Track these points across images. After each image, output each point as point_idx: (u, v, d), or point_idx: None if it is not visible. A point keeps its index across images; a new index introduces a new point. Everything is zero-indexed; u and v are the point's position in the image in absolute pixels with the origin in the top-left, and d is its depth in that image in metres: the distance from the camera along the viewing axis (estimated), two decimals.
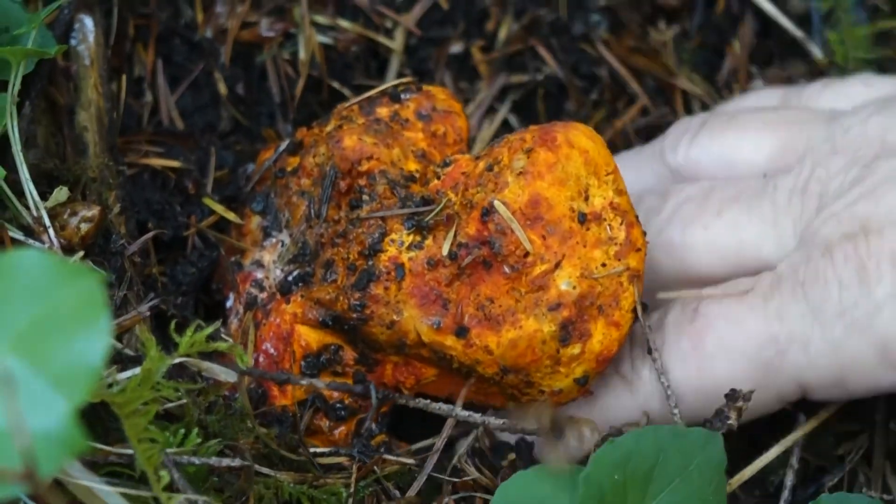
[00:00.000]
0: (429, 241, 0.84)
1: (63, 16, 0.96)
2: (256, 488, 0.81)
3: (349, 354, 0.88)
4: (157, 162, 1.00)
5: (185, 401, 0.80)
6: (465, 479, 0.88)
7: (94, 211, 0.87)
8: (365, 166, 0.87)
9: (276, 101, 1.08)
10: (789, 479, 0.90)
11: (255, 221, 0.96)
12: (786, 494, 0.89)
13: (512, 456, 0.91)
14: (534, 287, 0.83)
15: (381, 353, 0.87)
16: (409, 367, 0.88)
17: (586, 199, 0.85)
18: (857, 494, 0.88)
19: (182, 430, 0.77)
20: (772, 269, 0.87)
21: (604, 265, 0.84)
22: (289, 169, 0.94)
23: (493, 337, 0.83)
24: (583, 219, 0.84)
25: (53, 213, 0.86)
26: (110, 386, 0.72)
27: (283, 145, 0.96)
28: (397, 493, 0.86)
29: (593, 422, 0.88)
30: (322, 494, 0.83)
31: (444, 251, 0.83)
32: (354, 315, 0.84)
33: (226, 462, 0.77)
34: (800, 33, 1.19)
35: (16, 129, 0.86)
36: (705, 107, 1.18)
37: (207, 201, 0.99)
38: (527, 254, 0.83)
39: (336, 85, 1.10)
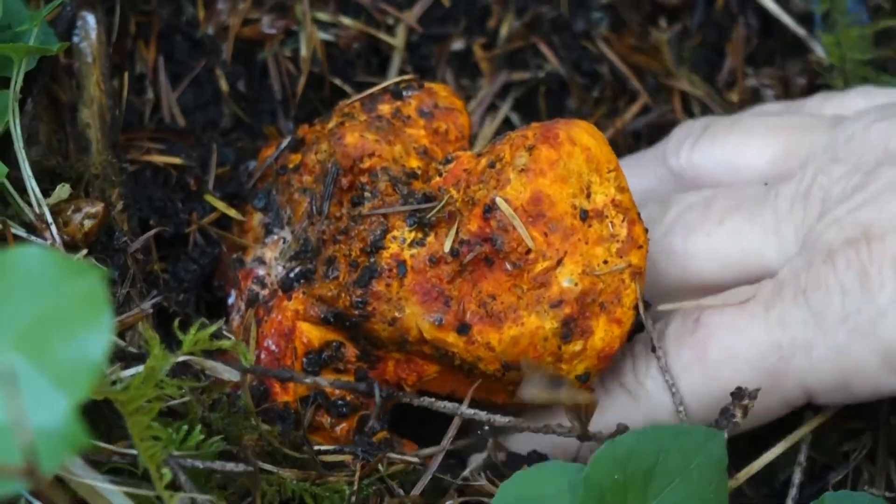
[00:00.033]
0: (430, 238, 0.84)
1: (65, 13, 0.96)
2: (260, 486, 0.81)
3: (351, 351, 0.88)
4: (159, 159, 1.00)
5: (188, 398, 0.79)
6: (471, 483, 0.88)
7: (97, 207, 0.87)
8: (367, 163, 0.87)
9: (277, 98, 1.08)
10: (797, 477, 0.89)
11: (257, 218, 0.96)
12: (793, 492, 0.88)
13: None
14: (535, 284, 0.83)
15: (383, 349, 0.87)
16: (411, 364, 0.88)
17: (588, 196, 0.85)
18: (860, 492, 0.88)
19: (185, 427, 0.77)
20: (774, 276, 0.87)
21: (606, 262, 0.84)
22: (290, 166, 0.94)
23: (494, 334, 0.83)
24: (585, 216, 0.84)
25: (56, 210, 0.86)
26: (114, 383, 0.72)
27: (285, 142, 0.96)
28: (401, 491, 0.86)
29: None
30: (325, 492, 0.83)
31: (446, 248, 0.83)
32: (356, 312, 0.84)
33: (230, 466, 0.77)
34: (802, 31, 1.18)
35: (18, 127, 0.86)
36: (705, 107, 1.17)
37: (209, 198, 0.99)
38: (529, 251, 0.83)
39: (338, 82, 1.10)
